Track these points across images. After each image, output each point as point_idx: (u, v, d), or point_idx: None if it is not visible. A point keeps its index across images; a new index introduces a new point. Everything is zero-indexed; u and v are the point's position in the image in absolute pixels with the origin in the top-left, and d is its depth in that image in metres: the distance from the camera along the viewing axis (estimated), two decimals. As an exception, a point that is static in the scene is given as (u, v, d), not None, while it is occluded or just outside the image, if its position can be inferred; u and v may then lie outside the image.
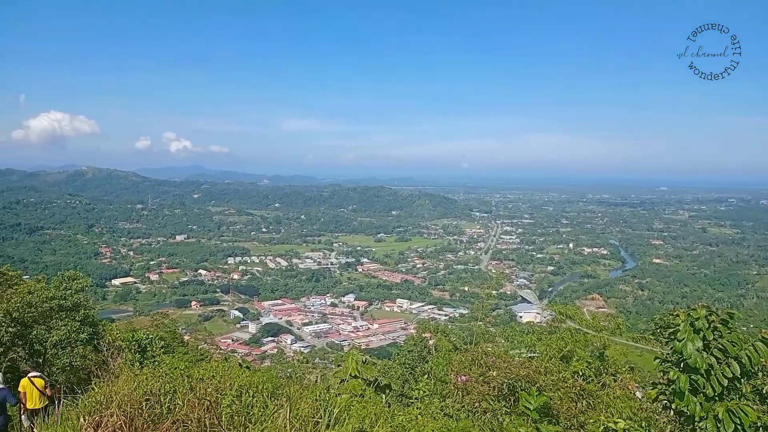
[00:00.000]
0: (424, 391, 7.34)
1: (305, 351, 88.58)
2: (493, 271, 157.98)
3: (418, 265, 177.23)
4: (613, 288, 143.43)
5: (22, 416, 10.12)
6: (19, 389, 10.34)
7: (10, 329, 17.71)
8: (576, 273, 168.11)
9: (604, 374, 7.34)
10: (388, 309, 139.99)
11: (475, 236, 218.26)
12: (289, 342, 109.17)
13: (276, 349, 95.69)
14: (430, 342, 28.75)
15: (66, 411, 7.22)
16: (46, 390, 10.48)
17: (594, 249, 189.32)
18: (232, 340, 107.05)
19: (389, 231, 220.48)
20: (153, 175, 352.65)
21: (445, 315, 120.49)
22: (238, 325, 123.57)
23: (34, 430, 6.26)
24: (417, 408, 7.86)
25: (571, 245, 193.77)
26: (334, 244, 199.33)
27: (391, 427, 5.87)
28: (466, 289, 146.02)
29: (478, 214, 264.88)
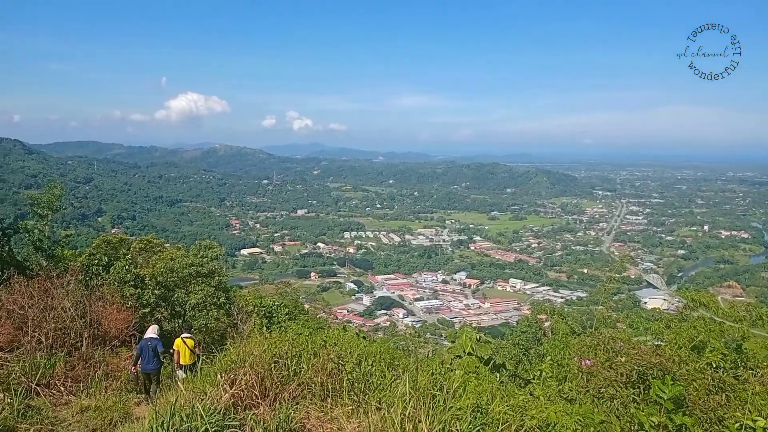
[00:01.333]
0: (547, 373, 7.11)
1: (417, 325, 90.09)
2: (616, 253, 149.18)
3: (533, 245, 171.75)
4: (753, 275, 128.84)
5: (178, 370, 11.42)
6: (174, 347, 11.71)
7: (156, 291, 19.85)
8: (710, 258, 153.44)
9: (741, 368, 6.66)
10: (500, 288, 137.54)
11: (597, 216, 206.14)
12: (401, 316, 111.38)
13: (388, 322, 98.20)
14: (546, 324, 27.99)
15: (205, 367, 7.87)
16: (195, 349, 11.78)
17: (733, 232, 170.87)
18: (348, 311, 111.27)
19: (503, 209, 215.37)
20: (277, 152, 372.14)
21: (561, 297, 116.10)
22: (353, 297, 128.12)
23: (180, 383, 6.96)
24: (533, 389, 7.67)
25: (705, 227, 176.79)
26: (447, 221, 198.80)
27: (508, 406, 5.78)
28: (585, 271, 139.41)
29: (600, 192, 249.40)
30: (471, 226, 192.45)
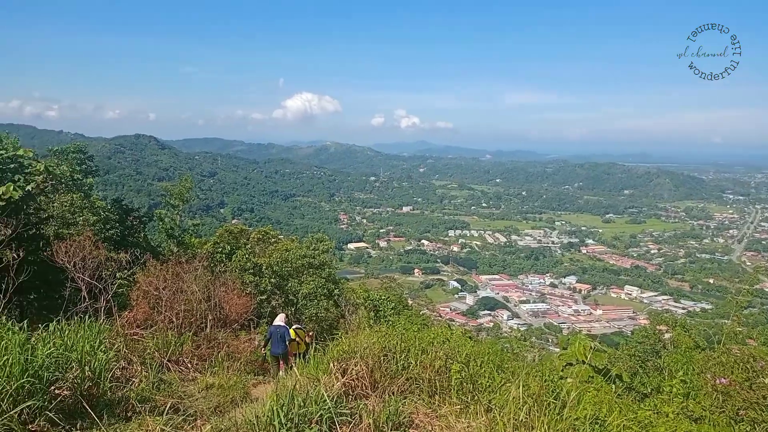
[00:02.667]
0: (677, 389, 6.59)
1: (522, 328, 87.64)
2: (749, 263, 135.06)
3: (652, 251, 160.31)
4: None
5: (290, 357, 12.09)
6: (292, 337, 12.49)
7: (272, 280, 21.00)
8: None
9: None
10: (614, 295, 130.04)
11: (726, 222, 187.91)
12: (505, 317, 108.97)
13: (492, 323, 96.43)
14: (666, 336, 26.03)
15: (316, 356, 8.14)
16: (306, 338, 12.39)
17: None
18: (450, 309, 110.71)
19: (619, 212, 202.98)
20: (385, 150, 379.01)
21: (683, 308, 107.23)
22: (456, 296, 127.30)
23: (295, 369, 7.27)
24: (655, 404, 7.12)
25: None
26: (556, 223, 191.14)
27: (629, 420, 5.42)
28: (711, 281, 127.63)
29: (731, 196, 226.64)
30: (583, 228, 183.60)
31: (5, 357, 5.33)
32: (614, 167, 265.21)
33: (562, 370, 10.52)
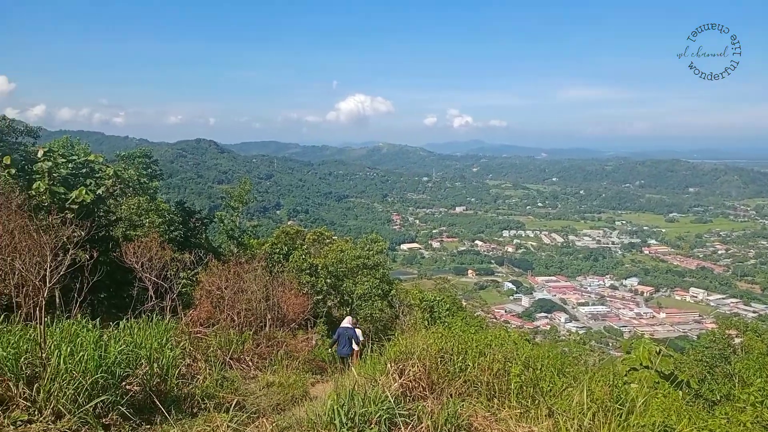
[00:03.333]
0: (755, 397, 6.24)
1: (580, 332, 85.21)
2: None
3: (719, 251, 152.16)
4: None
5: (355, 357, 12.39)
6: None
7: (328, 280, 21.29)
8: None
9: None
10: (678, 298, 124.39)
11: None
12: (562, 320, 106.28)
13: (549, 326, 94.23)
14: (736, 341, 24.71)
15: (373, 356, 8.17)
16: (362, 339, 12.71)
17: None
18: (505, 311, 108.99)
19: (684, 210, 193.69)
20: (437, 150, 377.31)
21: (753, 312, 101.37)
22: (510, 297, 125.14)
23: (353, 368, 7.34)
24: (724, 413, 6.78)
25: None
26: (616, 222, 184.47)
27: (700, 429, 5.16)
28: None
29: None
30: (645, 228, 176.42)
31: (81, 353, 5.63)
32: (678, 164, 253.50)
33: (626, 375, 10.16)
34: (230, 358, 9.61)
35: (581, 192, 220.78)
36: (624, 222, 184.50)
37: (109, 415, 5.40)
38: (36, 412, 5.13)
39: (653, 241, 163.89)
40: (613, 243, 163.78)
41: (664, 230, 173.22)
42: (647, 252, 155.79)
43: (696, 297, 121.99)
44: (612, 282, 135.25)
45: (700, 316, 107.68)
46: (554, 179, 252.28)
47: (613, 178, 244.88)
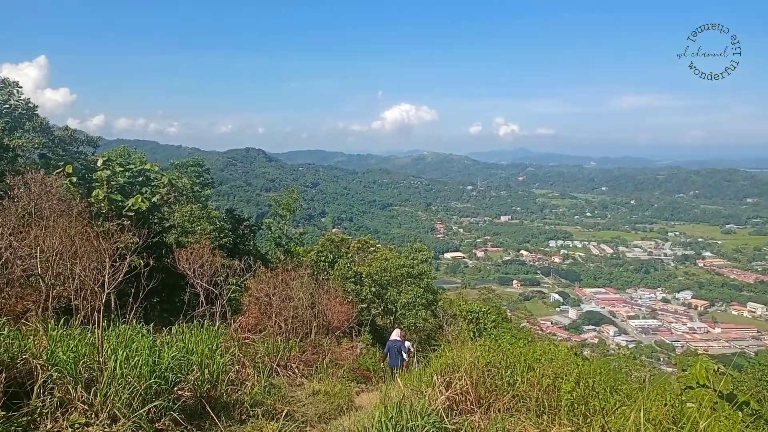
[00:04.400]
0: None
1: (630, 346, 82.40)
2: None
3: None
4: None
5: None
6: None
7: (372, 289, 21.31)
8: None
9: None
10: (735, 313, 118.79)
11: None
12: (611, 333, 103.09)
13: (597, 339, 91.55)
14: (800, 360, 23.39)
15: (419, 368, 8.09)
16: (411, 350, 12.89)
17: None
18: (551, 323, 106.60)
19: (742, 222, 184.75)
20: (482, 159, 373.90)
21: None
22: (557, 309, 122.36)
23: (399, 380, 7.30)
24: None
25: None
26: (669, 234, 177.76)
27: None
28: None
29: None
30: (700, 239, 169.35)
31: (136, 358, 5.79)
32: (735, 173, 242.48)
33: (681, 394, 9.71)
34: (277, 365, 9.72)
35: (632, 202, 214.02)
36: (677, 233, 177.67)
37: (162, 420, 5.52)
38: (93, 416, 5.29)
39: (708, 254, 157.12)
40: (665, 255, 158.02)
41: (720, 242, 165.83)
42: (702, 264, 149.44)
43: (754, 312, 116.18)
44: (664, 295, 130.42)
45: (758, 332, 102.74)
46: (603, 188, 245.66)
47: (665, 188, 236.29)
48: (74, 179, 16.70)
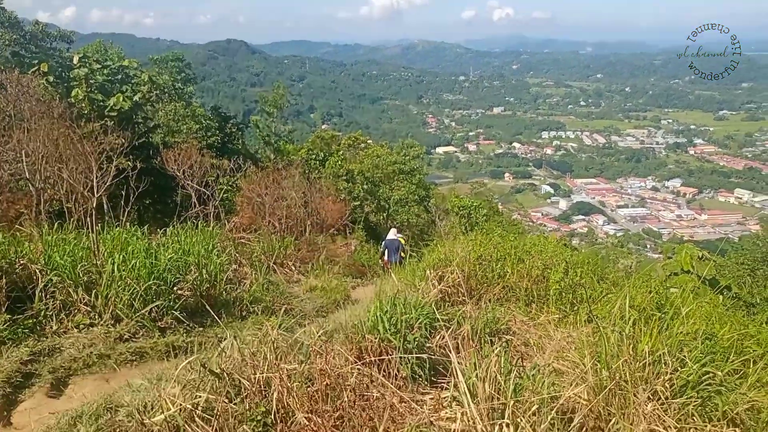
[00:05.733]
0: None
1: (618, 234, 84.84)
2: None
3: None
4: None
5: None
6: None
7: (364, 186, 21.36)
8: None
9: None
10: (722, 199, 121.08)
11: None
12: (600, 223, 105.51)
13: (586, 229, 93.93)
14: (779, 242, 24.19)
15: (412, 262, 8.29)
16: (405, 246, 13.10)
17: None
18: (542, 215, 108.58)
19: (735, 107, 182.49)
20: (475, 47, 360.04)
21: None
22: (548, 201, 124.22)
23: (393, 274, 7.49)
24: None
25: None
26: (662, 121, 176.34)
27: (741, 334, 5.14)
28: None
29: None
30: (692, 127, 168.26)
31: (133, 261, 5.87)
32: (733, 57, 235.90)
33: (666, 280, 10.09)
34: (274, 263, 9.94)
35: (627, 89, 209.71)
36: (670, 121, 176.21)
37: (164, 319, 5.71)
38: (96, 317, 5.46)
39: (700, 141, 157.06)
40: (657, 143, 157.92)
41: (712, 129, 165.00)
42: (693, 152, 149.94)
43: (741, 198, 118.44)
44: (654, 184, 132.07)
45: (743, 217, 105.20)
46: (599, 76, 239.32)
47: (662, 73, 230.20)
48: (51, 78, 16.03)
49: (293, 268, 10.13)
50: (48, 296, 5.48)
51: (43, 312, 5.34)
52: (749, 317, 7.28)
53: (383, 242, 13.31)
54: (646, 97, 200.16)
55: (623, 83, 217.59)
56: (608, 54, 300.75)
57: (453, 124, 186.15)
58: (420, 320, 5.43)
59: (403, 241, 12.98)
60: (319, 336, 4.23)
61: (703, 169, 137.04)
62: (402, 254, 12.73)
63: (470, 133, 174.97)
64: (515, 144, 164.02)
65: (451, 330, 5.70)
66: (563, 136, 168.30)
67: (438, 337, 5.61)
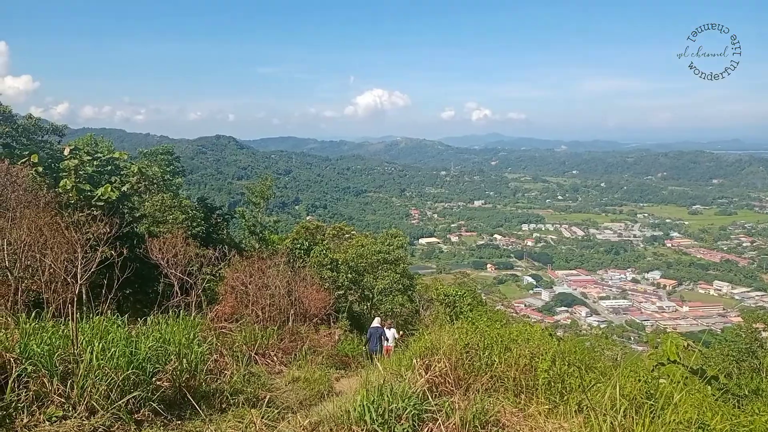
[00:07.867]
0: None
1: (602, 326, 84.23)
2: None
3: (744, 244, 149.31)
4: None
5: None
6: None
7: (349, 275, 21.32)
8: None
9: None
10: (702, 291, 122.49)
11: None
12: (583, 314, 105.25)
13: (569, 320, 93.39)
14: (763, 334, 24.29)
15: (398, 351, 8.15)
16: (396, 337, 13.16)
17: None
18: (525, 306, 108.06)
19: (707, 203, 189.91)
20: (455, 144, 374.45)
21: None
22: (530, 292, 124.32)
23: (378, 364, 7.36)
24: (756, 408, 6.66)
25: None
26: (638, 215, 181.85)
27: (734, 425, 5.07)
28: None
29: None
30: (668, 220, 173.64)
31: (112, 349, 5.70)
32: (701, 155, 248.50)
33: (653, 371, 9.98)
34: (255, 353, 9.68)
35: (602, 184, 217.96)
36: (646, 215, 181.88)
37: (141, 411, 5.46)
38: (70, 408, 5.20)
39: (676, 234, 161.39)
40: (634, 236, 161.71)
41: (687, 223, 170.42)
42: (670, 245, 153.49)
43: (720, 290, 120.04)
44: (634, 276, 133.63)
45: (724, 309, 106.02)
46: (574, 172, 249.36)
47: (634, 170, 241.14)
48: (40, 169, 16.21)
49: (275, 359, 9.85)
50: (21, 387, 5.24)
51: (14, 403, 5.09)
52: (739, 408, 7.19)
53: (368, 330, 13.38)
54: (621, 192, 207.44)
55: (598, 179, 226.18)
56: (582, 152, 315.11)
57: (435, 216, 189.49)
58: (408, 411, 5.29)
59: (394, 331, 13.03)
60: (304, 427, 4.09)
61: (681, 262, 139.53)
62: (392, 342, 12.72)
63: (452, 225, 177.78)
64: (496, 236, 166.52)
65: (439, 422, 5.54)
66: (543, 229, 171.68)
67: (426, 430, 5.44)
